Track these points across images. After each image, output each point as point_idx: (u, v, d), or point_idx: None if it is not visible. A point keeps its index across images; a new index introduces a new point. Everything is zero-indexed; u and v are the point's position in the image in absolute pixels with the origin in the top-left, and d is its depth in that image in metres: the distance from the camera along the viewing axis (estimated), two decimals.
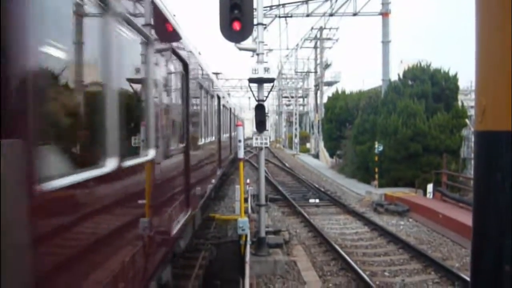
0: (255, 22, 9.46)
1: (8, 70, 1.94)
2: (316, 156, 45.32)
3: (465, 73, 47.18)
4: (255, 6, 9.44)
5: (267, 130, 10.64)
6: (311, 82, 58.20)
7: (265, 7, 22.10)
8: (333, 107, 34.40)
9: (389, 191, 19.31)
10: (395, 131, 21.41)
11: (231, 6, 8.55)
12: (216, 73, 14.65)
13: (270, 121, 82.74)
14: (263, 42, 10.10)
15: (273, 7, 27.57)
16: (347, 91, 36.39)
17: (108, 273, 3.22)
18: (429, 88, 22.22)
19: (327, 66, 47.52)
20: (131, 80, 4.06)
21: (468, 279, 8.21)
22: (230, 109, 21.02)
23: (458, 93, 23.46)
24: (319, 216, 15.96)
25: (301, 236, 12.91)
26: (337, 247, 11.10)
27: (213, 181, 11.68)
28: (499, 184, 1.44)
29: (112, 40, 3.26)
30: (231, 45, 9.44)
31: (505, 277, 1.43)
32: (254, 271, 9.21)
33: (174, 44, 6.03)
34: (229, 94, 36.30)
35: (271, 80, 10.09)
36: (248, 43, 9.83)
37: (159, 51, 4.96)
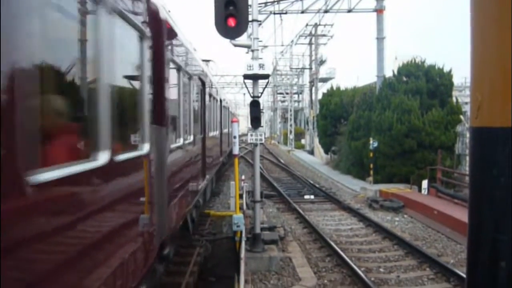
0: (250, 18, 9.42)
1: None
2: (311, 152, 45.35)
3: (460, 69, 47.34)
4: (250, 2, 9.39)
5: (262, 127, 10.64)
6: (306, 78, 58.26)
7: (260, 4, 21.97)
8: (328, 103, 34.41)
9: (384, 187, 19.36)
10: (389, 127, 21.45)
11: (226, 3, 8.51)
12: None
13: (265, 117, 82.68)
14: (258, 38, 10.07)
15: (268, 4, 27.52)
16: (342, 88, 36.45)
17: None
18: (423, 84, 22.26)
19: (322, 62, 47.54)
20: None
21: (463, 275, 8.26)
22: (229, 108, 23.08)
23: (452, 89, 23.53)
24: (314, 212, 15.98)
25: (296, 233, 12.92)
26: (332, 243, 11.12)
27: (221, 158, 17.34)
28: (494, 179, 1.44)
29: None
30: (226, 41, 9.41)
31: (501, 273, 1.43)
32: (249, 268, 9.21)
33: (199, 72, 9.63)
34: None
35: (266, 77, 10.07)
36: (243, 39, 9.81)
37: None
